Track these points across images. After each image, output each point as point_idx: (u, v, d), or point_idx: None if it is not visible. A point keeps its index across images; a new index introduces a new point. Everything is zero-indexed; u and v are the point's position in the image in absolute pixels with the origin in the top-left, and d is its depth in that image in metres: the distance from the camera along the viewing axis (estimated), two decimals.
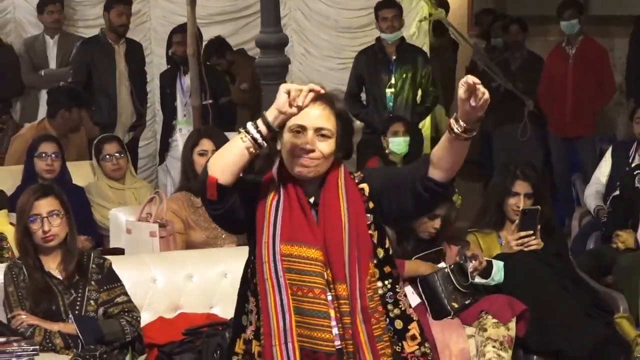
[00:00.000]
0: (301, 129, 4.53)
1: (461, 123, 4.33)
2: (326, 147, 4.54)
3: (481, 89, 4.22)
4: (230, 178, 4.45)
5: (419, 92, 11.54)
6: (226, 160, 4.46)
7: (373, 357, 4.58)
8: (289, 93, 4.33)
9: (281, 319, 4.53)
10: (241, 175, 4.52)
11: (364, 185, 4.69)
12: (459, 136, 4.36)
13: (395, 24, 11.39)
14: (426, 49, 12.53)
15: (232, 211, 4.55)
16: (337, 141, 4.59)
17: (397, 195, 4.63)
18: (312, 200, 4.63)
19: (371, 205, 4.66)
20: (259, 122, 4.40)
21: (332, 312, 4.55)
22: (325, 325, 4.53)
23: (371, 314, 4.60)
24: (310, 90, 4.34)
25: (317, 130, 4.53)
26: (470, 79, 4.22)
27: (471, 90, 4.23)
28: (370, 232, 4.64)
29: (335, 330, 4.55)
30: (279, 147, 4.64)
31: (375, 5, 11.59)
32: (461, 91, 4.25)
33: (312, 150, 4.52)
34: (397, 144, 9.79)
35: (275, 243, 4.54)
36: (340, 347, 4.55)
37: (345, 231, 4.57)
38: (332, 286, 4.53)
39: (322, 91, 4.42)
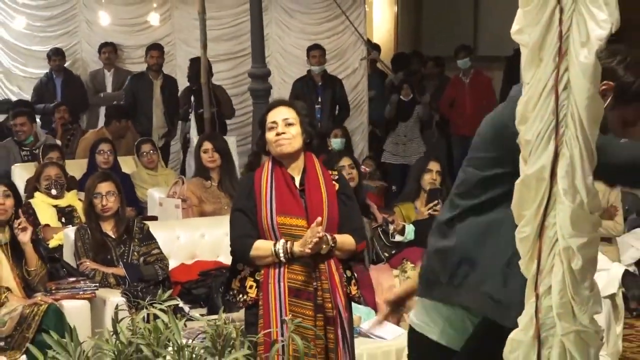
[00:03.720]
0: (274, 124, 4.66)
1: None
2: (293, 129, 4.66)
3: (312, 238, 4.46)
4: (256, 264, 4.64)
5: (337, 107, 11.61)
6: (260, 260, 4.60)
7: (341, 291, 4.61)
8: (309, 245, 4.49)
9: (275, 267, 4.58)
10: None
11: (336, 183, 4.76)
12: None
13: (321, 60, 11.52)
14: (365, 78, 12.54)
15: None
16: (301, 126, 4.68)
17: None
18: (297, 182, 4.67)
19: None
20: (287, 249, 4.53)
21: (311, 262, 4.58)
22: (307, 272, 4.57)
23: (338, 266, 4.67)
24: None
25: (284, 120, 4.66)
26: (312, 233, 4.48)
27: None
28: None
29: (312, 275, 4.57)
30: (267, 149, 4.74)
31: (307, 47, 11.71)
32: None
33: (284, 133, 4.62)
34: (336, 143, 9.84)
35: (273, 215, 4.58)
36: (315, 287, 4.57)
37: (325, 205, 4.62)
38: None
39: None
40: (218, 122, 10.61)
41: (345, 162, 7.33)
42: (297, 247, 4.52)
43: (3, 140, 10.17)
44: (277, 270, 4.56)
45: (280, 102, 4.82)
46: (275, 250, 4.54)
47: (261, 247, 4.58)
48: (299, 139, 4.65)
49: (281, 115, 4.66)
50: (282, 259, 4.53)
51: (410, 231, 7.25)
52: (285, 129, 4.63)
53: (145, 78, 11.70)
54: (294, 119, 4.66)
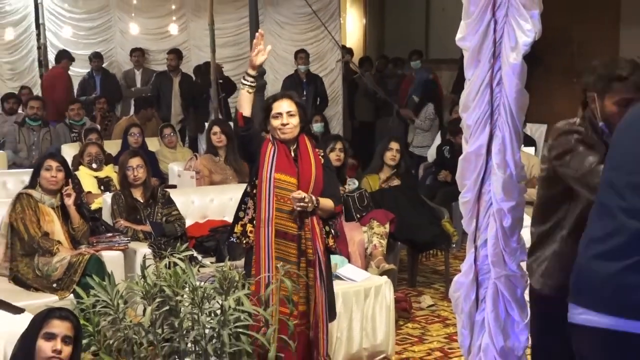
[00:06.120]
0: (279, 115, 4.64)
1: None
2: (294, 120, 4.64)
3: (299, 201, 4.49)
4: (247, 109, 4.59)
5: (318, 99, 11.57)
6: (241, 101, 4.61)
7: (320, 240, 4.60)
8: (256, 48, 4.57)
9: (267, 212, 4.54)
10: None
11: (321, 158, 4.75)
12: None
13: (306, 61, 11.50)
14: (340, 77, 12.49)
15: (251, 136, 4.63)
16: (300, 117, 4.67)
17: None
18: (292, 153, 4.66)
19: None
20: (245, 76, 4.60)
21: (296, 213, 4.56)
22: (293, 219, 4.55)
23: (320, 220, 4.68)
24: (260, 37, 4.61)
25: (287, 112, 4.63)
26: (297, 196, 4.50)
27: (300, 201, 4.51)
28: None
29: (297, 223, 4.55)
30: (269, 129, 4.72)
31: (295, 51, 11.69)
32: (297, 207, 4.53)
33: (287, 124, 4.61)
34: (317, 127, 9.79)
35: (272, 172, 4.55)
36: (299, 233, 4.56)
37: (313, 170, 4.62)
38: None
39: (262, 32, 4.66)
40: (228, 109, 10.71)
41: (338, 145, 7.25)
42: (249, 67, 4.61)
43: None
44: (266, 215, 4.53)
45: (284, 95, 4.77)
46: (242, 83, 4.60)
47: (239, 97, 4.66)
48: (298, 127, 4.67)
49: (285, 107, 4.64)
50: (248, 84, 4.56)
51: (352, 183, 7.28)
52: (289, 119, 4.62)
53: (167, 76, 11.70)
54: (295, 111, 4.65)
